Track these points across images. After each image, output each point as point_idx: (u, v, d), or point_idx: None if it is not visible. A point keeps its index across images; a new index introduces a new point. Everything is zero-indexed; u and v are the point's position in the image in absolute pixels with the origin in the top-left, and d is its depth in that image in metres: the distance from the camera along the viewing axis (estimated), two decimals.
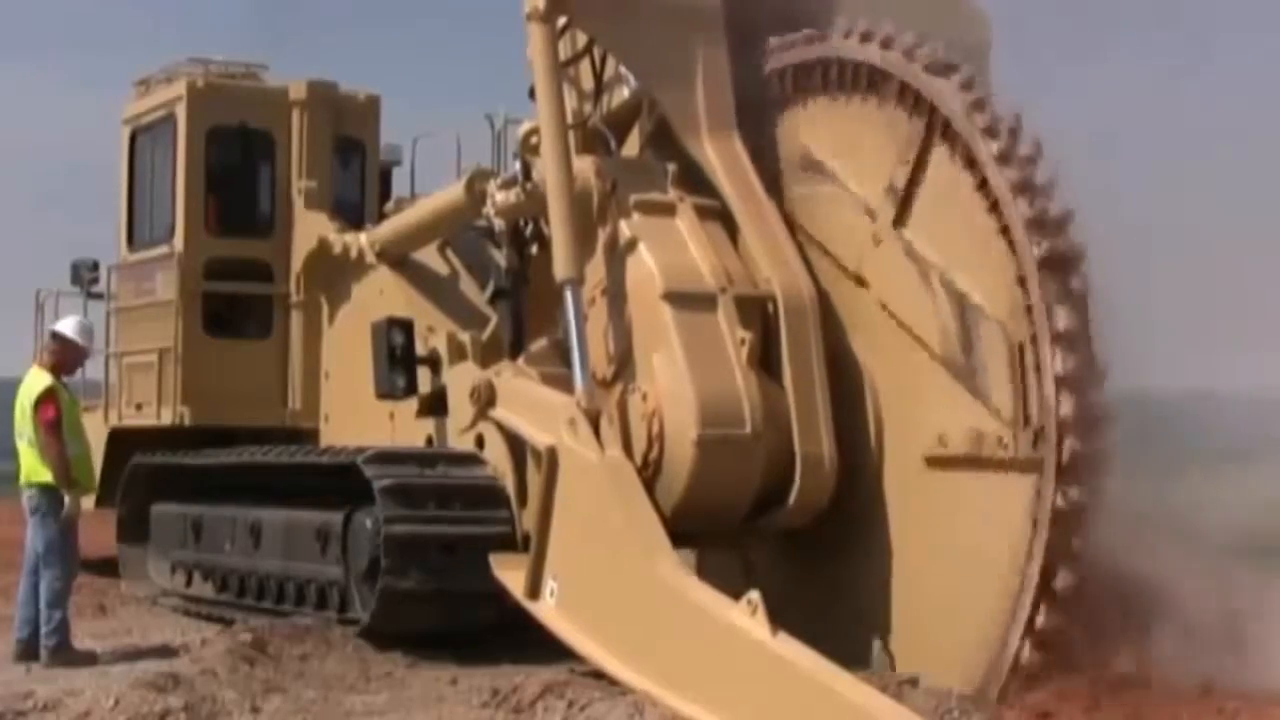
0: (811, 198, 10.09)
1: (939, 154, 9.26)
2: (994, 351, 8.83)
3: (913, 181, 9.38)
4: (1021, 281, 8.66)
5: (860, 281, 9.70)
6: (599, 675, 8.64)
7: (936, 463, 9.16)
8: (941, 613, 8.99)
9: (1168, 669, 8.62)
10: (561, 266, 9.67)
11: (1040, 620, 8.38)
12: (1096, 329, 8.60)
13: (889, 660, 9.26)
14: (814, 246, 9.99)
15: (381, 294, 12.69)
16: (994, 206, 8.86)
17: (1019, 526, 8.55)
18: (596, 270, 10.04)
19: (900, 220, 9.44)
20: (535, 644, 9.46)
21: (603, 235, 10.09)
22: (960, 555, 8.91)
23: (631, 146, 10.92)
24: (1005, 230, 8.78)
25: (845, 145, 9.92)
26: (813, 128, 10.13)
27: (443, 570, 10.20)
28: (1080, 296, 8.59)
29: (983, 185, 8.93)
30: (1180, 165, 10.57)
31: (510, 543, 10.18)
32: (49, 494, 10.64)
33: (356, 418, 12.62)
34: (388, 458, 10.80)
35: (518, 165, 10.88)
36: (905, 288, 9.39)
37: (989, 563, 8.69)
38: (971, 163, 9.00)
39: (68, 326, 11.18)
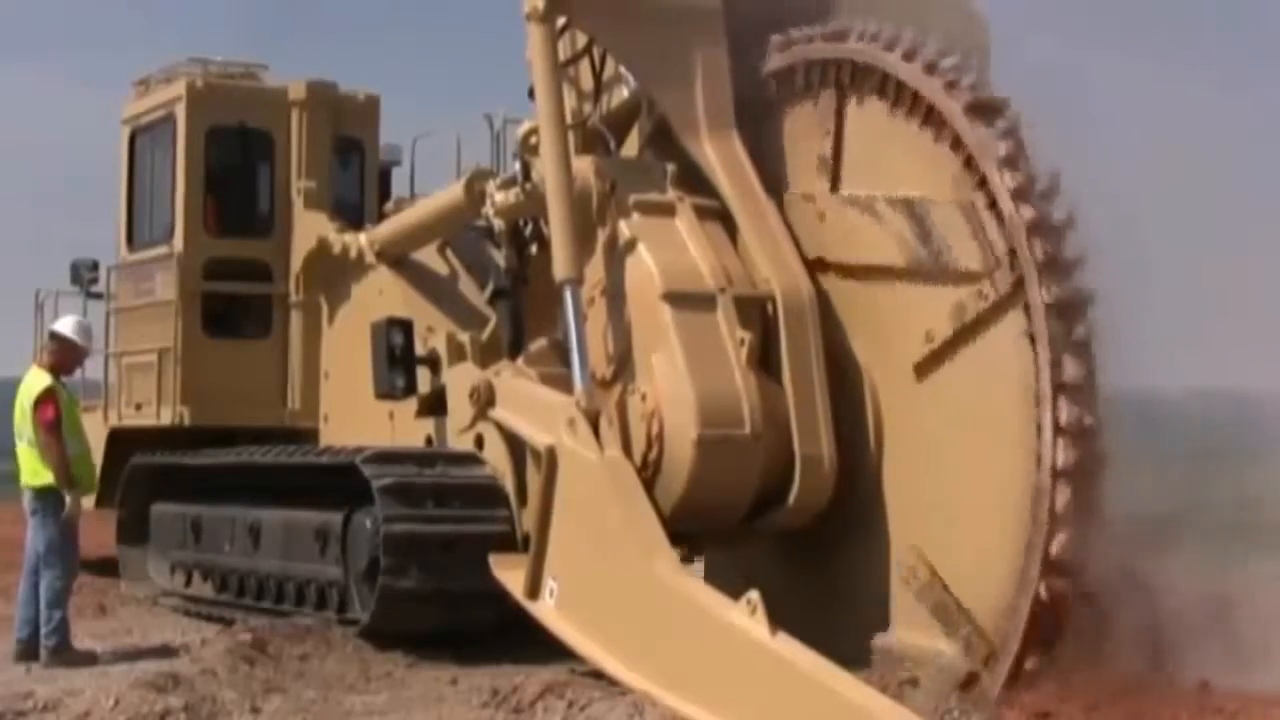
0: None
1: (852, 103, 9.61)
2: (952, 225, 8.92)
3: (838, 143, 9.67)
4: (956, 144, 8.84)
5: (822, 265, 9.79)
6: (599, 675, 8.65)
7: (927, 364, 9.13)
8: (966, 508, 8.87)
9: (1168, 669, 8.62)
10: (561, 266, 9.67)
11: (1063, 416, 8.24)
12: (1033, 154, 8.70)
13: (925, 559, 9.06)
14: None
15: (381, 294, 12.69)
16: (912, 106, 9.11)
17: (1019, 366, 8.51)
18: (596, 270, 10.05)
19: (835, 184, 9.72)
20: (535, 644, 9.46)
21: (602, 235, 10.09)
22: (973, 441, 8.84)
23: (631, 146, 10.92)
24: (928, 113, 9.01)
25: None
26: None
27: (442, 570, 10.20)
28: (1013, 130, 8.72)
29: (898, 97, 9.21)
30: (1180, 163, 10.56)
31: (510, 542, 10.19)
32: (49, 495, 10.63)
33: (356, 418, 12.61)
34: (387, 457, 10.79)
35: (517, 165, 10.88)
36: (857, 233, 9.53)
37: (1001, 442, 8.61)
38: (883, 86, 9.31)
39: (66, 326, 11.18)
